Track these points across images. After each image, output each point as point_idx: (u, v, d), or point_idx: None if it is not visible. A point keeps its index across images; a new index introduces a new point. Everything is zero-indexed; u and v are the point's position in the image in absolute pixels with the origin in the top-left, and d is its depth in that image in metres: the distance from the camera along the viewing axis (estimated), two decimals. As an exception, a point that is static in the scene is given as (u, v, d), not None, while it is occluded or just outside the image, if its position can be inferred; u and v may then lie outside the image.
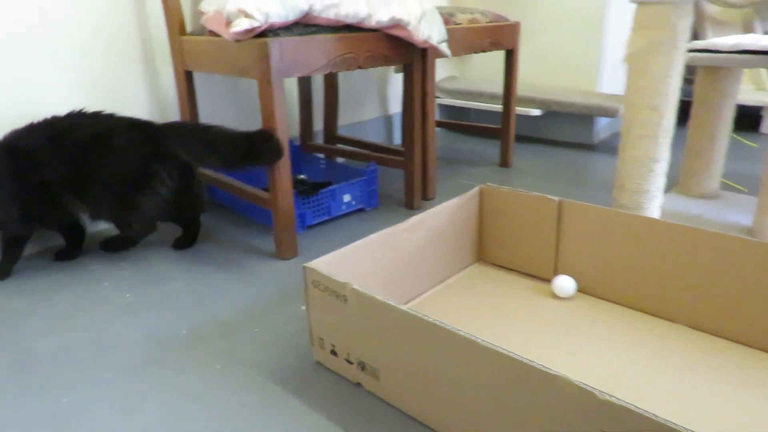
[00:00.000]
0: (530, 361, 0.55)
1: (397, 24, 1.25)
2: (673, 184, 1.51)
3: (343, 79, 1.90)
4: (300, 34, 1.13)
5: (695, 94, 1.40)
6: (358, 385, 0.79)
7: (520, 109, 2.03)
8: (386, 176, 1.76)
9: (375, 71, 2.04)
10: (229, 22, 1.11)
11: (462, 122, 2.04)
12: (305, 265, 0.79)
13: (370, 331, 0.73)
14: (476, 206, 1.12)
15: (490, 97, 2.13)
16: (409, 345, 0.68)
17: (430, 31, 1.31)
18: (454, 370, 0.64)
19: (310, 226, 1.38)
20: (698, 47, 1.34)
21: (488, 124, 2.00)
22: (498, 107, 1.97)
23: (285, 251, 1.20)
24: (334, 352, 0.80)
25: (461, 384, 0.64)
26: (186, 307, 1.03)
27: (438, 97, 2.32)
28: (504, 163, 1.86)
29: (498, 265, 1.13)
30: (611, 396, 0.50)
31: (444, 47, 1.37)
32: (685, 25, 1.04)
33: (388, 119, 2.15)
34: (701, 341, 0.87)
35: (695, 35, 2.47)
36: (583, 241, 1.01)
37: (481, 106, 2.18)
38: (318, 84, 1.81)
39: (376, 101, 2.08)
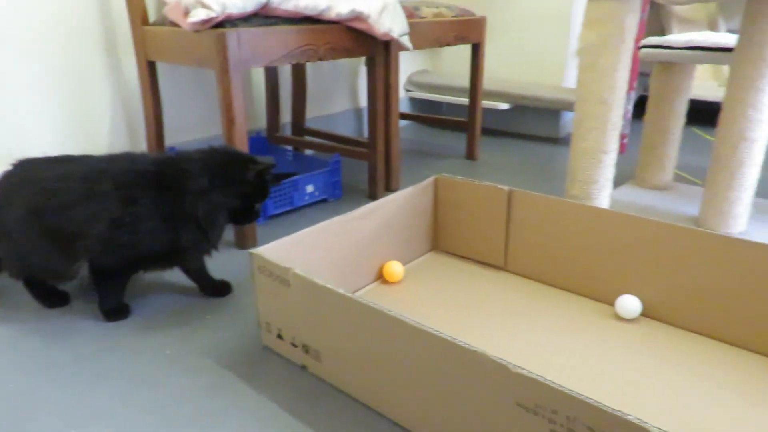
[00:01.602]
0: (452, 338, 0.58)
1: (358, 16, 1.27)
2: (630, 177, 1.55)
3: (312, 71, 1.91)
4: (259, 25, 1.15)
5: (650, 90, 1.43)
6: (304, 367, 0.81)
7: (488, 103, 2.06)
8: (353, 168, 1.78)
9: (345, 64, 2.05)
10: (186, 12, 1.11)
11: (430, 115, 2.06)
12: (251, 251, 0.80)
13: (312, 315, 0.75)
14: (431, 196, 1.14)
15: (461, 91, 2.16)
16: (346, 327, 0.71)
17: (391, 23, 1.33)
18: (388, 350, 0.66)
19: (273, 216, 1.39)
20: (653, 43, 1.37)
21: (459, 117, 2.03)
22: (468, 101, 2.00)
23: (244, 241, 1.22)
24: (280, 336, 0.82)
25: (395, 363, 0.66)
26: (140, 295, 1.04)
27: (409, 91, 2.34)
28: (470, 156, 1.89)
29: (452, 254, 1.16)
30: (523, 369, 0.53)
31: (405, 40, 1.38)
32: (633, 21, 1.08)
33: (358, 112, 2.16)
34: (641, 325, 0.91)
35: (662, 33, 2.52)
36: (531, 229, 1.04)
37: (452, 99, 2.20)
38: (286, 76, 1.82)
39: (346, 94, 2.10)
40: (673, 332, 0.88)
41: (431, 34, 1.58)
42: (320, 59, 1.26)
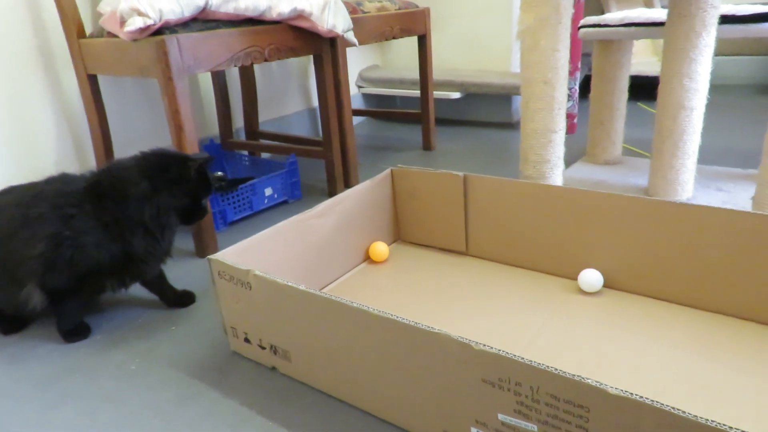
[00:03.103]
0: (415, 322, 0.59)
1: (300, 15, 1.26)
2: (583, 155, 1.60)
3: (261, 73, 1.89)
4: (199, 30, 1.13)
5: (593, 68, 1.47)
6: (274, 369, 0.81)
7: (439, 93, 2.08)
8: (312, 168, 1.77)
9: (294, 64, 2.04)
10: (123, 21, 1.09)
11: (384, 110, 2.07)
12: (209, 257, 0.79)
13: (277, 315, 0.74)
14: (389, 188, 1.15)
15: (412, 84, 2.17)
16: (311, 323, 0.70)
17: (334, 20, 1.33)
18: (353, 342, 0.67)
19: (233, 222, 1.38)
20: (591, 23, 1.41)
21: (412, 110, 2.04)
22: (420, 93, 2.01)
23: (204, 249, 1.20)
24: (247, 340, 0.82)
25: (361, 354, 0.67)
26: (101, 312, 1.01)
27: (361, 87, 2.34)
28: (427, 146, 1.91)
29: (416, 243, 1.17)
30: (485, 345, 0.54)
31: (350, 36, 1.39)
32: (568, 1, 1.10)
33: (312, 111, 2.15)
34: (604, 297, 0.93)
35: (602, 13, 2.59)
36: (489, 212, 1.05)
37: (404, 92, 2.22)
38: (236, 80, 1.80)
39: (298, 94, 2.08)
40: (634, 300, 0.91)
41: (376, 29, 1.58)
42: (266, 60, 1.25)
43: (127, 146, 1.52)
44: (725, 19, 1.20)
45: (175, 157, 0.92)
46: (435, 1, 2.20)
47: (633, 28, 1.32)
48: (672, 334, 0.81)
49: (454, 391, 0.59)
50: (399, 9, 1.68)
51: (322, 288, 1.01)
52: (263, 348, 0.80)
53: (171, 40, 1.06)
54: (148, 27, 1.06)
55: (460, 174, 1.06)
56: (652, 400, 0.46)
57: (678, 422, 0.45)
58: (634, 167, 1.48)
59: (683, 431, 0.45)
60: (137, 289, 1.06)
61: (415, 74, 2.17)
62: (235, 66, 1.20)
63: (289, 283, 0.69)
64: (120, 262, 0.89)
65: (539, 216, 1.00)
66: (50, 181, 0.91)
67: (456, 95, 2.10)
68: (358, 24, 1.50)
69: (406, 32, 1.69)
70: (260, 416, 0.73)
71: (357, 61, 2.33)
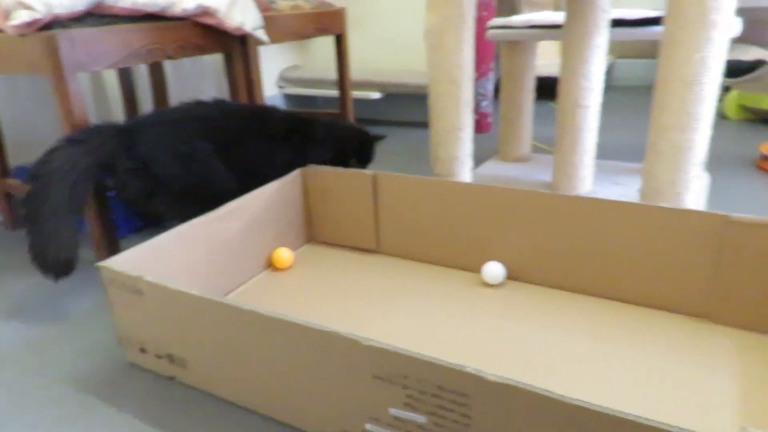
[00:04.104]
0: (305, 322, 0.58)
1: (206, 11, 1.23)
2: (496, 152, 1.65)
3: (173, 72, 1.83)
4: (94, 25, 1.07)
5: (502, 68, 1.53)
6: (172, 378, 0.78)
7: (359, 93, 2.09)
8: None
9: (209, 62, 1.98)
10: (7, 15, 1.01)
11: (304, 110, 2.05)
12: (98, 264, 0.75)
13: (171, 322, 0.72)
14: (299, 187, 1.13)
15: (333, 84, 2.16)
16: (206, 329, 0.68)
17: (243, 17, 1.30)
18: (249, 345, 0.65)
19: (140, 229, 1.32)
20: (498, 24, 1.46)
21: (333, 110, 2.03)
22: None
23: (106, 257, 1.13)
24: (143, 350, 0.78)
25: (258, 357, 0.65)
26: (-13, 329, 0.94)
27: (282, 87, 2.31)
28: (347, 146, 1.91)
29: (328, 243, 1.16)
30: (372, 340, 0.54)
31: (260, 34, 1.36)
32: (471, 1, 1.13)
33: (230, 112, 2.10)
34: (506, 288, 0.97)
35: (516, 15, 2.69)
36: (399, 210, 1.06)
37: (325, 93, 2.21)
38: (146, 79, 1.72)
39: (214, 93, 2.03)
40: (536, 290, 0.95)
41: (289, 28, 1.57)
42: (170, 58, 1.20)
43: (25, 151, 1.42)
44: (616, 23, 1.27)
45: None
46: (354, 1, 2.20)
47: (536, 30, 1.38)
48: (568, 321, 0.85)
49: (347, 388, 0.59)
50: (314, 8, 1.67)
51: (227, 293, 0.98)
52: (160, 357, 0.77)
53: (62, 36, 1.00)
54: (35, 21, 0.99)
55: (370, 172, 1.06)
56: (526, 384, 0.48)
57: (548, 404, 0.47)
58: (541, 164, 1.54)
59: (555, 412, 0.47)
60: (24, 306, 0.99)
61: (335, 74, 2.16)
62: (137, 64, 1.15)
63: (181, 289, 0.67)
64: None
65: (446, 212, 1.02)
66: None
67: (376, 95, 2.11)
68: (270, 22, 1.47)
69: (321, 32, 1.68)
70: (157, 429, 0.70)
71: (277, 61, 2.30)
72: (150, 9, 1.14)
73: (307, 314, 0.91)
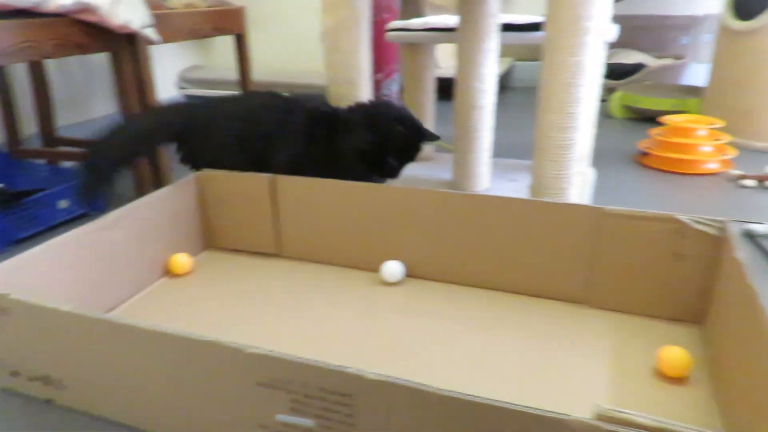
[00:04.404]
0: (183, 332, 0.56)
1: (85, 8, 1.15)
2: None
3: (58, 72, 1.70)
4: (-48, 21, 0.97)
5: (402, 70, 1.55)
6: (49, 401, 0.72)
7: (265, 95, 2.05)
8: (121, 175, 1.62)
9: (97, 61, 1.86)
10: None
11: (207, 112, 1.98)
12: (-45, 282, 0.69)
13: (43, 341, 0.66)
14: (194, 193, 1.09)
15: (236, 85, 2.11)
16: (82, 346, 0.64)
17: (129, 15, 1.23)
18: (129, 360, 0.62)
19: (22, 240, 1.21)
20: (397, 27, 1.48)
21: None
22: (241, 94, 1.96)
23: (-22, 273, 1.04)
24: (15, 373, 0.72)
25: (138, 372, 0.62)
26: None
27: (183, 88, 2.22)
28: (252, 149, 1.86)
29: (227, 249, 1.13)
30: (256, 348, 0.53)
31: (149, 33, 1.30)
32: (365, 4, 1.15)
33: (126, 115, 1.98)
34: (405, 286, 0.98)
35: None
36: (298, 213, 1.05)
37: (227, 94, 2.14)
38: (25, 79, 1.59)
39: (107, 96, 1.91)
40: (433, 286, 0.97)
41: (184, 26, 1.51)
42: (47, 57, 1.12)
43: None
44: (506, 27, 1.33)
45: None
46: (258, 1, 2.16)
47: (433, 33, 1.42)
48: (461, 314, 0.88)
49: (233, 398, 0.57)
50: (210, 6, 1.61)
51: (116, 306, 0.92)
52: (34, 380, 0.71)
53: None
54: None
55: (266, 175, 1.04)
56: (404, 380, 0.48)
57: (426, 397, 0.48)
58: (444, 162, 1.58)
59: (431, 405, 0.48)
60: None
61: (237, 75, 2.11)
62: (7, 63, 1.06)
63: (49, 305, 0.62)
64: None
65: (347, 213, 1.02)
66: None
67: (282, 96, 2.08)
68: (162, 21, 1.40)
69: (219, 31, 1.63)
70: (30, 457, 0.64)
71: (178, 61, 2.20)
72: (20, 5, 1.05)
73: (204, 320, 0.89)
